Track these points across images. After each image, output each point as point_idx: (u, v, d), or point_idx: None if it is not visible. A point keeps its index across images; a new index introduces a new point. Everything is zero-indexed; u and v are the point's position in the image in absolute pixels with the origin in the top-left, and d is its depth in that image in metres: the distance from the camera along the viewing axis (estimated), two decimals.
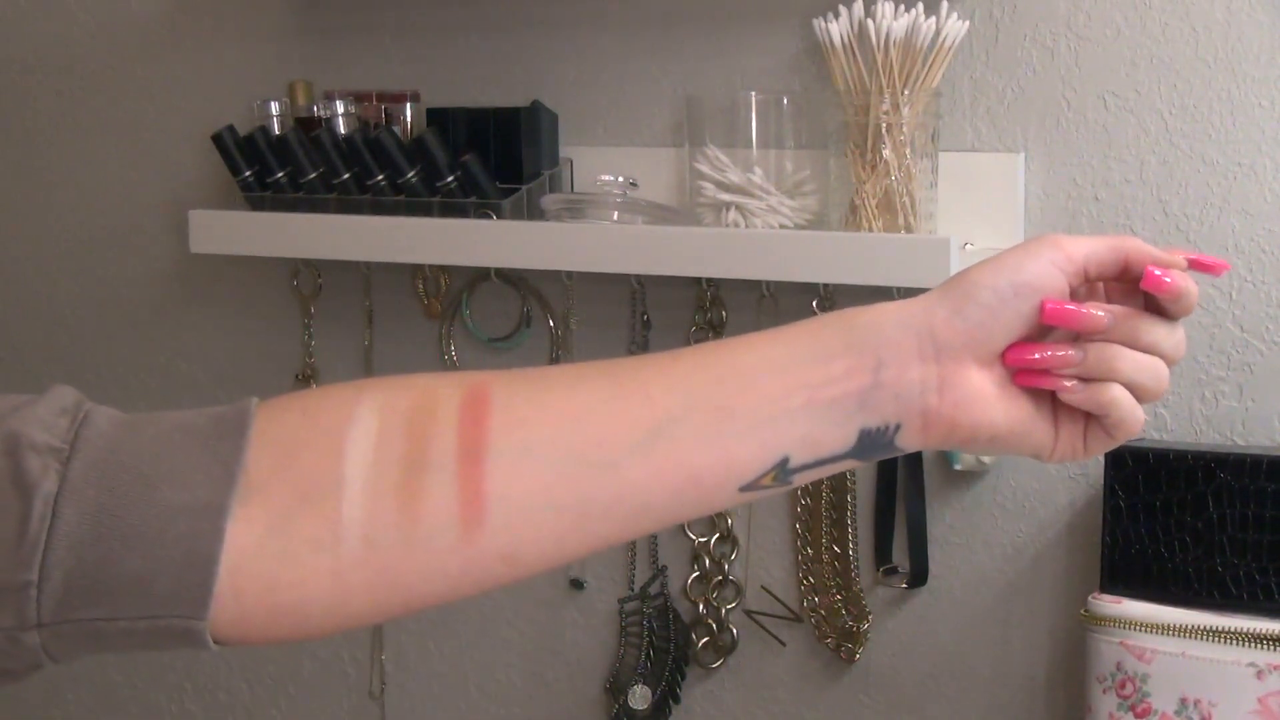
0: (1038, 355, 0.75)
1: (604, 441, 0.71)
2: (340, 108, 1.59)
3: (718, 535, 1.57)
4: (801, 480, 0.74)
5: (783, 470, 0.73)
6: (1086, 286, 0.77)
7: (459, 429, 0.70)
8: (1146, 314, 0.77)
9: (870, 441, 0.74)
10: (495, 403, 0.71)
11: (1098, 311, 0.75)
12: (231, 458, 0.69)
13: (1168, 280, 0.76)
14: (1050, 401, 0.77)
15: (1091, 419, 0.77)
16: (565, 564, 0.73)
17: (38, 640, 0.67)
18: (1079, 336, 0.76)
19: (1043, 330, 0.76)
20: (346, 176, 1.57)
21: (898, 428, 0.74)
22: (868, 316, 0.75)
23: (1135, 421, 0.77)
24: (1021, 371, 0.76)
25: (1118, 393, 0.76)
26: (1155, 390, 0.77)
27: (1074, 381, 0.76)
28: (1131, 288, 0.77)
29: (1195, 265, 0.78)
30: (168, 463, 0.68)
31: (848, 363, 0.73)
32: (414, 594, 0.71)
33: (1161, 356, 0.77)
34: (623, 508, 0.72)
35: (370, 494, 0.70)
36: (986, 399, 0.75)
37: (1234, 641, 1.23)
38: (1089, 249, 0.76)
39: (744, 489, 0.73)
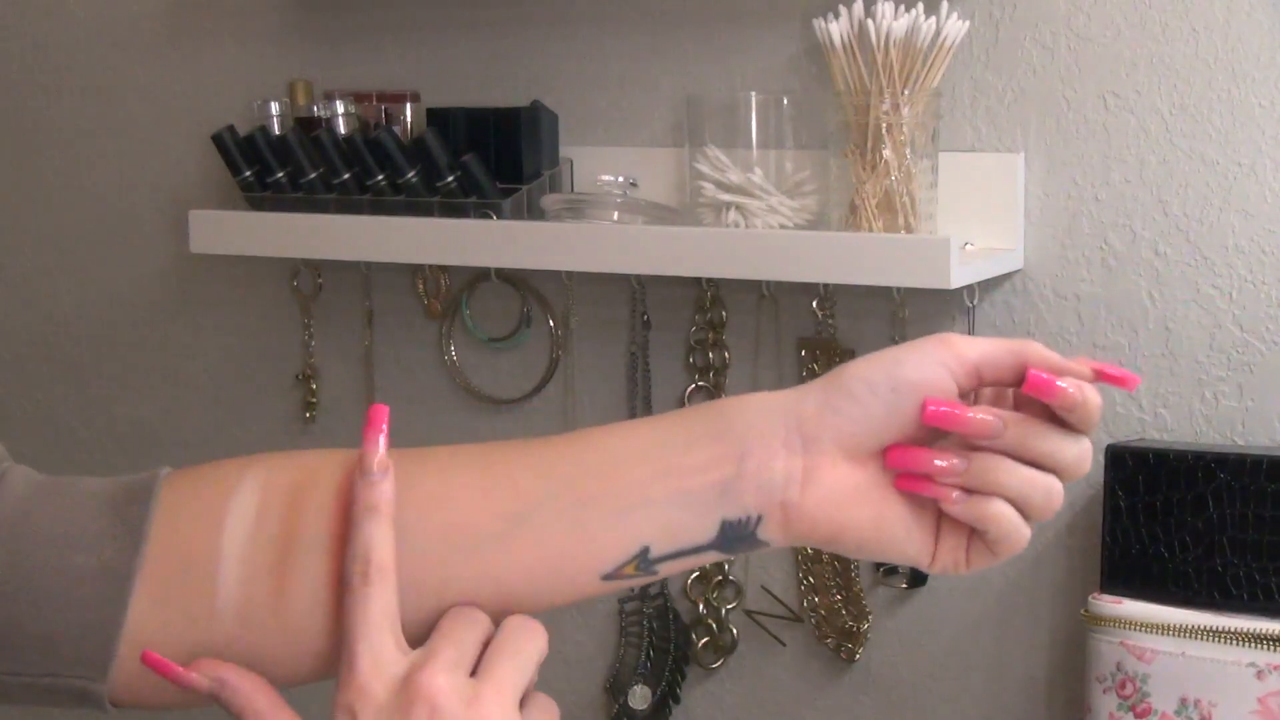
0: (920, 460, 0.70)
1: (467, 526, 0.71)
2: (340, 108, 1.59)
3: None
4: (666, 571, 0.72)
5: (644, 560, 0.72)
6: (993, 392, 0.72)
7: (333, 509, 0.71)
8: (1045, 423, 0.70)
9: (732, 533, 0.71)
10: None
11: (986, 416, 0.69)
12: (136, 524, 0.70)
13: (1058, 385, 0.68)
14: (932, 510, 0.72)
15: (974, 535, 0.72)
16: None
17: None
18: (968, 444, 0.70)
19: (935, 433, 0.71)
20: (346, 176, 1.57)
21: (759, 519, 0.71)
22: (738, 404, 0.72)
23: (1018, 540, 0.71)
24: (902, 475, 0.71)
25: (1000, 508, 0.70)
26: (1044, 508, 0.70)
27: (957, 492, 0.70)
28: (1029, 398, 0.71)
29: (1103, 378, 0.70)
30: (78, 526, 0.70)
31: (713, 451, 0.71)
32: (288, 673, 0.73)
33: (1057, 471, 0.70)
34: (484, 591, 0.72)
35: (244, 572, 0.70)
36: (851, 499, 0.70)
37: (1234, 641, 1.23)
38: (982, 351, 0.70)
39: (606, 578, 0.72)
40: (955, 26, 1.33)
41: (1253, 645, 1.22)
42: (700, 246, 1.40)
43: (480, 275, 1.64)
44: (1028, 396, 0.70)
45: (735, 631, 1.57)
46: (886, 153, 1.34)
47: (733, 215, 1.43)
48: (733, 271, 1.40)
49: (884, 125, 1.33)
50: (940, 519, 0.72)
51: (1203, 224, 1.33)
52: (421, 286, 1.67)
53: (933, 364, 0.70)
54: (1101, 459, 1.31)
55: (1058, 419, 0.70)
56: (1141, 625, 1.26)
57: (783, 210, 1.42)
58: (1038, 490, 0.70)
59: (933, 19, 1.32)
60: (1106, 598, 1.29)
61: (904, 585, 1.48)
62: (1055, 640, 1.43)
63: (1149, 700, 1.25)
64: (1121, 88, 1.34)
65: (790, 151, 1.44)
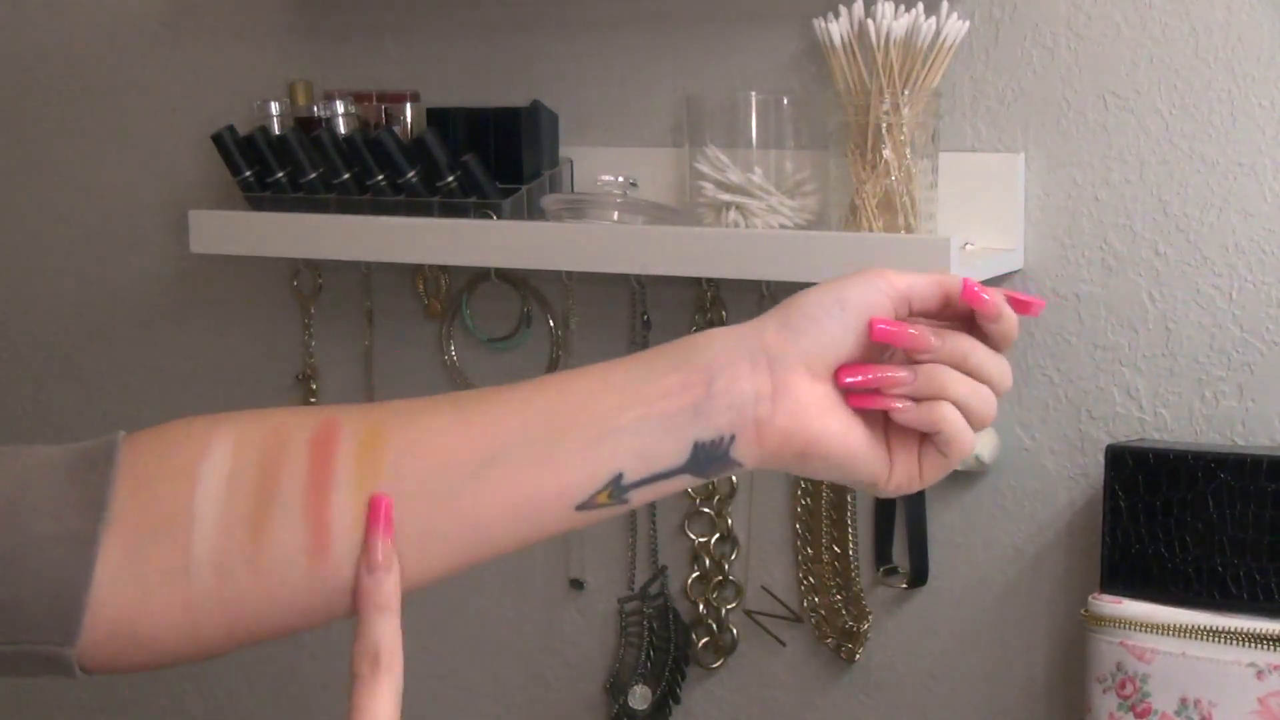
0: (870, 376, 0.76)
1: (444, 469, 0.73)
2: (340, 108, 1.59)
3: (718, 535, 1.57)
4: (639, 499, 0.75)
5: (617, 487, 0.74)
6: (912, 321, 0.78)
7: (308, 462, 0.72)
8: (971, 338, 0.78)
9: (705, 454, 0.75)
10: (343, 436, 0.73)
11: (925, 329, 0.76)
12: (99, 489, 0.71)
13: (985, 295, 0.77)
14: (883, 431, 0.78)
15: (925, 445, 0.78)
16: (412, 591, 0.74)
17: None
18: (910, 361, 0.77)
19: (873, 358, 0.77)
20: (346, 176, 1.57)
21: (732, 439, 0.75)
22: (700, 337, 0.76)
23: (966, 439, 0.78)
24: (854, 394, 0.76)
25: (948, 410, 0.76)
26: (984, 415, 0.78)
27: (905, 402, 0.76)
28: (952, 326, 0.79)
29: (1012, 302, 0.78)
30: (35, 493, 0.70)
31: (680, 377, 0.74)
32: (265, 623, 0.73)
33: (988, 383, 0.78)
34: (463, 534, 0.74)
35: (220, 525, 0.71)
36: (820, 409, 0.75)
37: (1234, 641, 1.23)
38: (911, 280, 0.77)
39: (580, 508, 0.74)
40: (955, 26, 1.33)
41: (1253, 645, 1.22)
42: (700, 246, 1.40)
43: (480, 275, 1.64)
44: (946, 325, 0.78)
45: (735, 631, 1.57)
46: (886, 153, 1.34)
47: (733, 215, 1.43)
48: (733, 271, 1.40)
49: (884, 125, 1.33)
50: (890, 440, 0.78)
51: (1203, 224, 1.33)
52: (421, 286, 1.68)
53: (873, 289, 0.76)
54: (1101, 459, 1.31)
55: (982, 340, 0.78)
56: (1141, 625, 1.26)
57: (783, 210, 1.42)
58: (978, 397, 0.77)
59: (933, 19, 1.32)
60: (1106, 598, 1.29)
61: (904, 585, 1.48)
62: (1055, 640, 1.43)
63: (1149, 700, 1.25)
64: (1121, 88, 1.34)
65: (790, 151, 1.44)
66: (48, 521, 0.69)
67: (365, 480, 0.72)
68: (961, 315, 0.79)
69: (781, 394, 0.74)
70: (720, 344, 0.75)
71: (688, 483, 0.76)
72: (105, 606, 0.70)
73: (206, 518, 0.71)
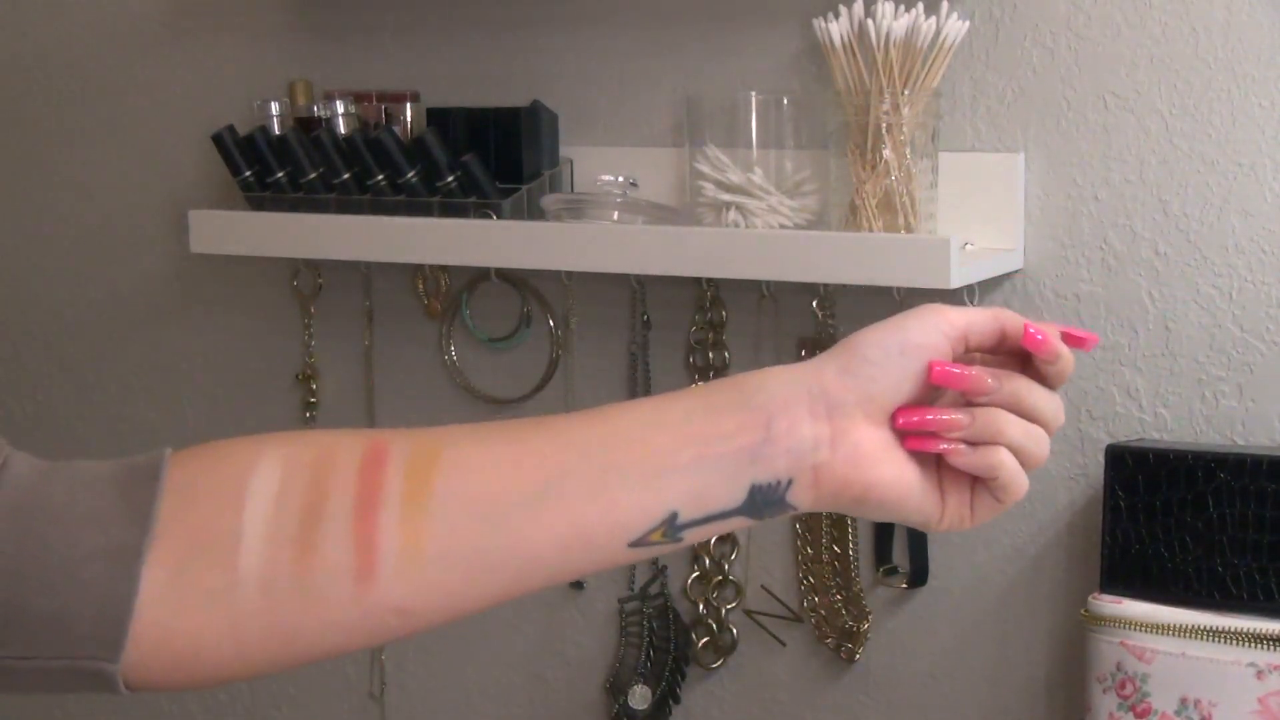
0: (928, 417, 0.76)
1: (496, 497, 0.72)
2: (340, 108, 1.59)
3: (718, 535, 1.57)
4: (693, 538, 0.75)
5: (671, 526, 0.74)
6: (966, 358, 0.79)
7: (357, 483, 0.72)
8: (1029, 379, 0.78)
9: (762, 497, 0.74)
10: (392, 458, 0.73)
11: (983, 372, 0.76)
12: (145, 503, 0.70)
13: (1044, 338, 0.77)
14: (936, 471, 0.78)
15: (977, 487, 0.79)
16: (461, 618, 0.74)
17: None
18: (965, 402, 0.77)
19: (929, 397, 0.77)
20: (346, 176, 1.57)
21: (789, 483, 0.75)
22: (756, 378, 0.76)
23: (1021, 485, 0.78)
24: (910, 436, 0.76)
25: (1005, 455, 0.77)
26: (1038, 456, 0.78)
27: (961, 445, 0.76)
28: (1006, 361, 0.79)
29: (1066, 338, 0.79)
30: (84, 507, 0.70)
31: (739, 419, 0.74)
32: (310, 646, 0.73)
33: (1042, 423, 0.78)
34: (513, 563, 0.73)
35: (268, 545, 0.71)
36: (877, 456, 0.75)
37: (1234, 641, 1.23)
38: (969, 318, 0.77)
39: (633, 545, 0.74)
40: (955, 26, 1.33)
41: (1253, 645, 1.22)
42: (700, 246, 1.40)
43: (480, 275, 1.64)
44: (996, 361, 0.79)
45: (735, 631, 1.57)
46: (886, 153, 1.34)
47: (733, 215, 1.43)
48: (733, 271, 1.40)
49: (884, 125, 1.33)
50: (942, 480, 0.78)
51: (1203, 224, 1.33)
52: (421, 286, 1.67)
53: (932, 329, 0.76)
54: (1101, 459, 1.31)
55: (1036, 377, 0.78)
56: (1141, 625, 1.26)
57: (783, 210, 1.42)
58: (1032, 439, 0.77)
59: (933, 19, 1.32)
60: (1106, 598, 1.29)
61: (904, 585, 1.48)
62: (1055, 640, 1.43)
63: (1149, 700, 1.25)
64: (1121, 88, 1.34)
65: (790, 151, 1.44)
66: (95, 535, 0.69)
67: (413, 504, 0.72)
68: (1015, 350, 0.79)
69: (840, 440, 0.74)
70: (778, 385, 0.75)
71: (742, 524, 0.76)
72: (150, 623, 0.69)
73: (254, 537, 0.71)
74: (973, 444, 0.76)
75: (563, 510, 0.73)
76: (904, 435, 0.76)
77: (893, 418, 0.76)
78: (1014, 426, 0.77)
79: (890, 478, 0.76)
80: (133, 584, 0.69)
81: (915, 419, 0.76)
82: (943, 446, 0.76)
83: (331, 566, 0.71)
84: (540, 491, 0.72)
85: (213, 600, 0.70)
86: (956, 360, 0.77)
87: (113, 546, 0.69)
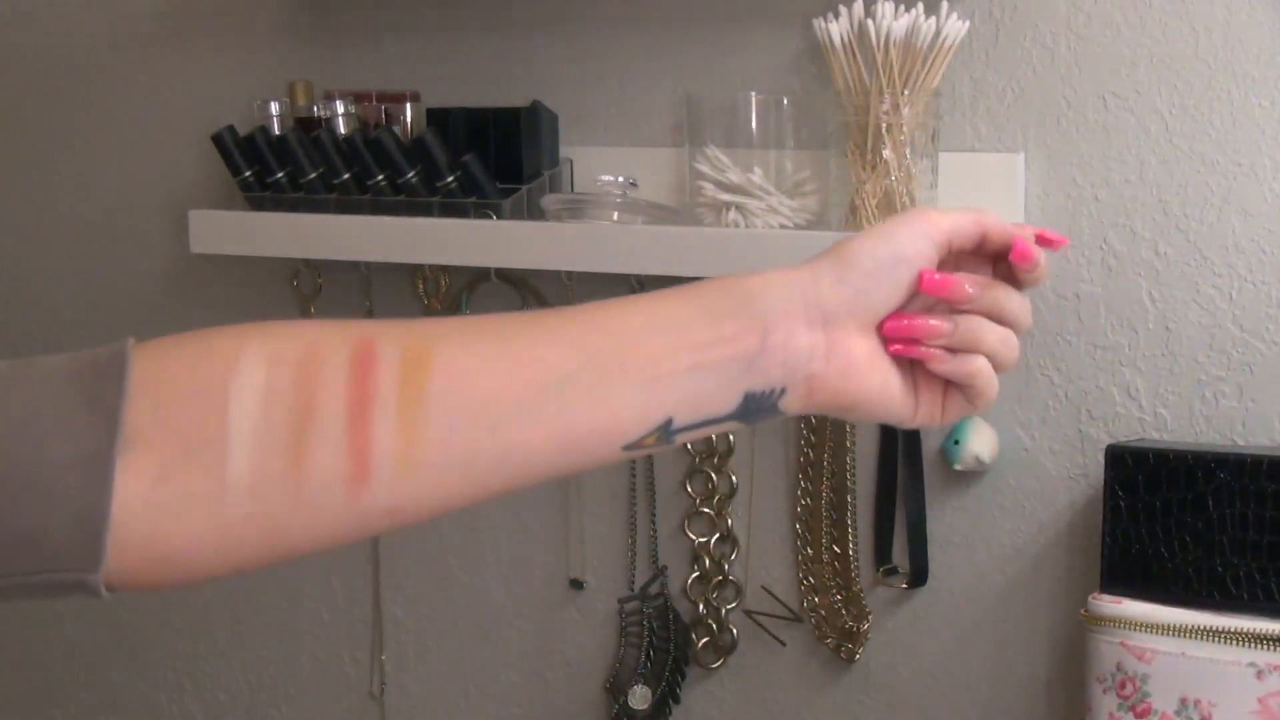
0: (916, 325, 0.78)
1: (491, 401, 0.72)
2: (340, 108, 1.59)
3: (718, 535, 1.57)
4: (683, 439, 0.76)
5: (665, 431, 0.75)
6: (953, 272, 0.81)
7: (348, 387, 0.70)
8: (1004, 284, 0.81)
9: (754, 404, 0.76)
10: (383, 359, 0.71)
11: (969, 282, 0.79)
12: (112, 406, 0.68)
13: (1030, 252, 0.80)
14: (911, 371, 0.81)
15: (949, 388, 0.81)
16: (450, 514, 0.74)
17: None
18: (940, 307, 0.79)
19: (918, 304, 0.79)
20: (346, 176, 1.57)
21: (782, 391, 0.76)
22: (755, 282, 0.77)
23: (993, 390, 0.81)
24: (895, 341, 0.79)
25: (982, 364, 0.80)
26: (1010, 360, 0.81)
27: (943, 353, 0.79)
28: (980, 260, 0.82)
29: (1040, 239, 0.82)
30: (50, 415, 0.67)
31: (736, 325, 0.75)
32: (298, 544, 0.72)
33: (1014, 327, 0.81)
34: (508, 465, 0.73)
35: (257, 450, 0.69)
36: (867, 366, 0.78)
37: (1234, 641, 1.23)
38: (953, 221, 0.80)
39: (627, 448, 0.75)
40: (955, 26, 1.33)
41: (1253, 645, 1.22)
42: (700, 246, 1.40)
43: (480, 275, 1.64)
44: (971, 260, 0.81)
45: (735, 631, 1.57)
46: (886, 153, 1.34)
47: (733, 215, 1.43)
48: (733, 271, 1.40)
49: (884, 125, 1.33)
50: (916, 380, 0.81)
51: (1203, 224, 1.33)
52: (421, 286, 1.67)
53: (921, 236, 0.78)
54: (1101, 459, 1.31)
55: (1007, 280, 0.81)
56: (1141, 625, 1.26)
57: (783, 210, 1.42)
58: (1007, 344, 0.80)
59: (933, 19, 1.32)
60: (1106, 598, 1.29)
61: (904, 585, 1.48)
62: (1055, 640, 1.43)
63: (1149, 700, 1.25)
64: (1121, 88, 1.34)
65: (790, 151, 1.44)
66: (63, 444, 0.67)
67: (407, 410, 0.70)
68: (991, 252, 0.81)
69: (834, 351, 0.76)
70: (777, 294, 0.76)
71: (733, 427, 0.77)
72: (133, 530, 0.67)
73: (241, 443, 0.69)
74: (952, 350, 0.79)
75: (560, 415, 0.73)
76: (888, 340, 0.79)
77: (880, 325, 0.78)
78: (992, 334, 0.79)
79: (877, 386, 0.78)
80: (107, 493, 0.67)
81: (903, 325, 0.78)
82: (926, 354, 0.79)
83: (325, 474, 0.70)
84: (537, 396, 0.72)
85: (199, 505, 0.69)
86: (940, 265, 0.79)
87: (82, 456, 0.67)
